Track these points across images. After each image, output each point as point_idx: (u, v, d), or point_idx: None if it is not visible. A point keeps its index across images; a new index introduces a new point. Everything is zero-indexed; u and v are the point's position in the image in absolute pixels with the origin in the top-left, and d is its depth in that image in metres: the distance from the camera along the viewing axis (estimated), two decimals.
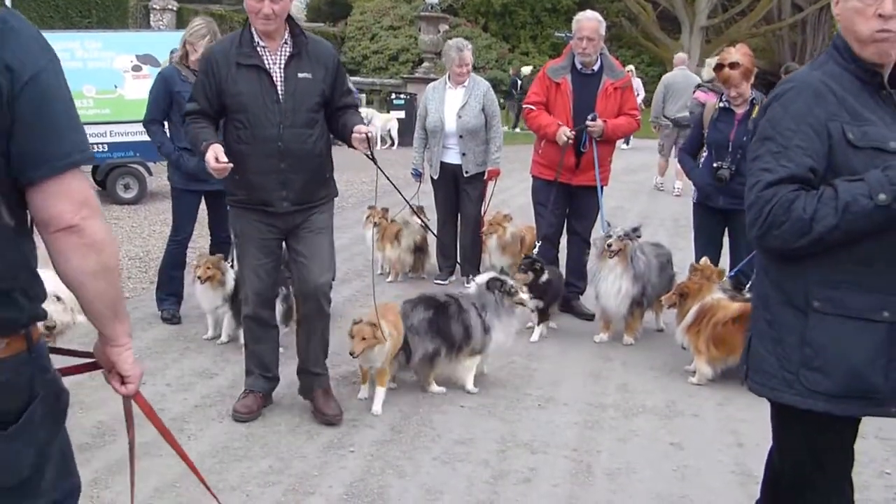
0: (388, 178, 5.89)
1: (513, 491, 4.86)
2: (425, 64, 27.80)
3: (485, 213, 9.17)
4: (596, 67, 7.87)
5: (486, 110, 8.79)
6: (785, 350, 2.96)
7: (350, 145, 5.32)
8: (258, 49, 5.20)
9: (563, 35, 35.00)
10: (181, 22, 31.38)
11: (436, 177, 9.12)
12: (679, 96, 15.93)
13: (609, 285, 7.37)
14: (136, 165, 13.46)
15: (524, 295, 6.53)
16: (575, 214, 8.20)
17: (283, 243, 5.61)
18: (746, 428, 5.76)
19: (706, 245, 7.40)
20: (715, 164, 7.06)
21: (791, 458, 3.15)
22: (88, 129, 10.03)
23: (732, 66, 6.95)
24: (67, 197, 2.26)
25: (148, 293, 8.36)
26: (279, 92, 5.20)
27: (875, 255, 2.84)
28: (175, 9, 30.84)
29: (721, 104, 7.21)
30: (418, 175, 9.40)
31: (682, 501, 4.84)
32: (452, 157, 8.93)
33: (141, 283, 8.91)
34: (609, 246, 7.31)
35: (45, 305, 2.42)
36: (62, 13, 31.07)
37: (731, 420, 6.00)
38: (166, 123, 7.30)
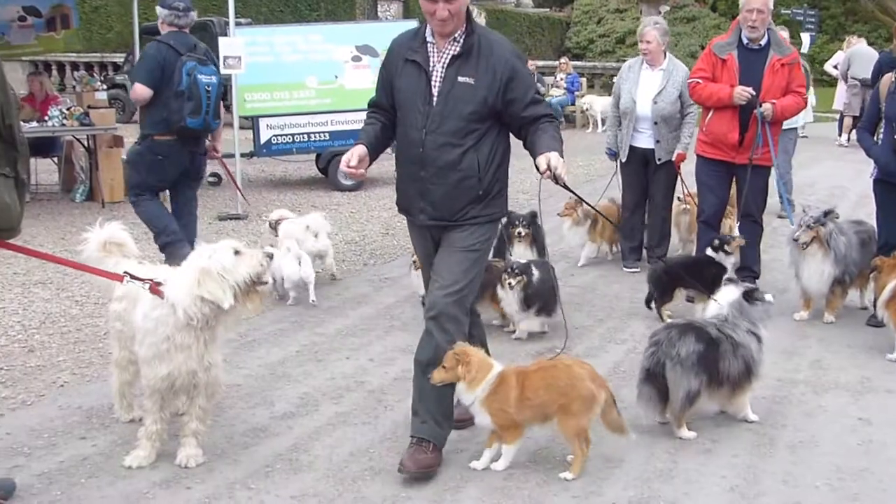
0: (592, 206, 6.12)
1: (692, 461, 4.98)
2: None
3: (686, 195, 9.13)
4: (763, 42, 7.70)
5: (683, 97, 8.57)
6: None
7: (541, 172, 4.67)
8: (427, 45, 4.82)
9: (790, 12, 33.62)
10: (408, 12, 32.19)
11: (624, 160, 9.04)
12: (863, 60, 17.64)
13: (811, 270, 7.36)
14: None
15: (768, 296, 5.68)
16: (742, 195, 7.98)
17: None
18: None
19: (890, 222, 7.21)
20: None
21: None
22: (311, 119, 11.06)
23: None
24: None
25: (361, 275, 8.95)
26: (434, 93, 4.76)
27: None
28: None
29: None
30: (613, 155, 9.27)
31: (863, 474, 4.84)
32: (643, 142, 8.86)
33: (355, 266, 9.44)
34: (796, 240, 7.33)
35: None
36: (292, 7, 32.56)
37: None
38: None
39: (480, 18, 8.08)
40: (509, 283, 6.82)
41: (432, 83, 4.76)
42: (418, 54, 4.80)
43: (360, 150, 4.83)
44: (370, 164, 4.94)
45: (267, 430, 5.36)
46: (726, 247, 7.58)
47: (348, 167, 4.79)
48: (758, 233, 8.10)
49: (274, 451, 5.06)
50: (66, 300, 8.06)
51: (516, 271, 6.85)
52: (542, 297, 6.97)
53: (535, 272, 6.98)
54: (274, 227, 8.45)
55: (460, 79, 4.70)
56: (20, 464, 4.87)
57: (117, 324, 5.15)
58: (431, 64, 4.78)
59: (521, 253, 8.06)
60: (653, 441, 5.22)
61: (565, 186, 4.71)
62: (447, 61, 4.76)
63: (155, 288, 4.59)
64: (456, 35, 4.75)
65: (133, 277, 4.65)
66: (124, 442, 5.09)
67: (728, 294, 5.59)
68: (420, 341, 4.89)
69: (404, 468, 4.72)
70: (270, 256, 4.72)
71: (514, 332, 7.15)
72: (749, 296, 5.53)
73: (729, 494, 4.62)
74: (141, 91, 7.85)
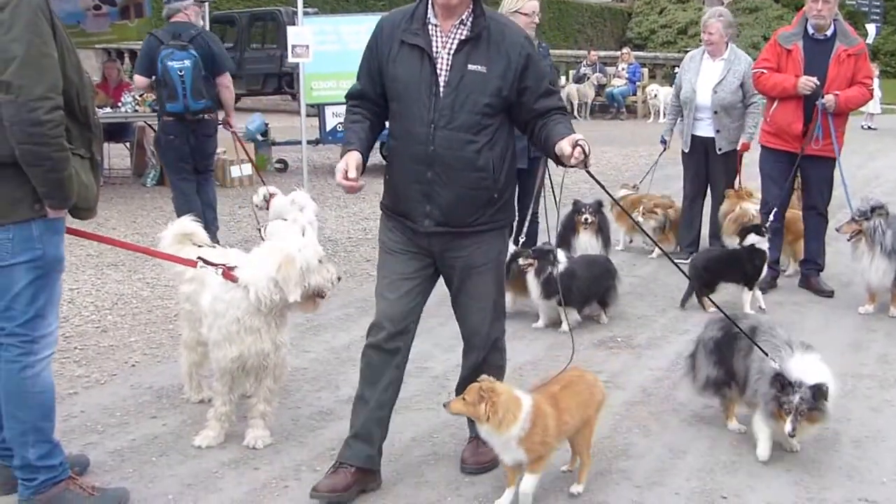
0: (613, 197, 5.19)
1: (755, 454, 4.94)
2: None
3: (738, 188, 9.03)
4: (829, 32, 7.64)
5: (745, 87, 8.53)
6: None
7: (559, 163, 4.22)
8: (428, 27, 4.22)
9: (854, 2, 33.14)
10: None
11: (686, 150, 9.05)
12: None
13: (867, 263, 7.37)
14: None
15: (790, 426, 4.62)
16: (806, 186, 8.03)
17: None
18: None
19: None
20: None
21: None
22: None
23: None
24: (225, 79, 8.96)
25: None
26: (440, 83, 4.16)
27: None
28: None
29: None
30: (664, 142, 9.46)
31: None
32: (704, 130, 8.83)
33: None
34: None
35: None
36: None
37: None
38: None
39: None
40: (518, 264, 6.87)
41: (438, 71, 4.18)
42: (419, 37, 4.20)
43: (356, 159, 4.17)
44: (363, 171, 4.25)
45: (332, 413, 5.44)
46: (763, 229, 7.55)
47: (346, 180, 4.10)
48: (822, 225, 8.05)
49: (339, 434, 5.08)
50: (137, 282, 8.25)
51: (529, 254, 6.94)
52: (563, 290, 6.71)
53: (563, 264, 6.91)
54: (267, 200, 8.88)
55: (470, 67, 4.15)
56: (93, 441, 5.00)
57: (186, 305, 5.27)
58: (435, 49, 4.19)
59: (586, 241, 8.07)
60: (717, 433, 5.21)
61: (590, 174, 4.22)
62: (454, 47, 4.19)
63: (228, 273, 4.68)
64: (463, 17, 4.20)
65: (206, 262, 4.75)
66: (194, 422, 5.20)
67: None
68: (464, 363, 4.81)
69: (466, 464, 4.72)
70: (339, 279, 4.84)
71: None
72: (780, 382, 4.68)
73: (793, 488, 4.59)
74: (138, 81, 9.11)
